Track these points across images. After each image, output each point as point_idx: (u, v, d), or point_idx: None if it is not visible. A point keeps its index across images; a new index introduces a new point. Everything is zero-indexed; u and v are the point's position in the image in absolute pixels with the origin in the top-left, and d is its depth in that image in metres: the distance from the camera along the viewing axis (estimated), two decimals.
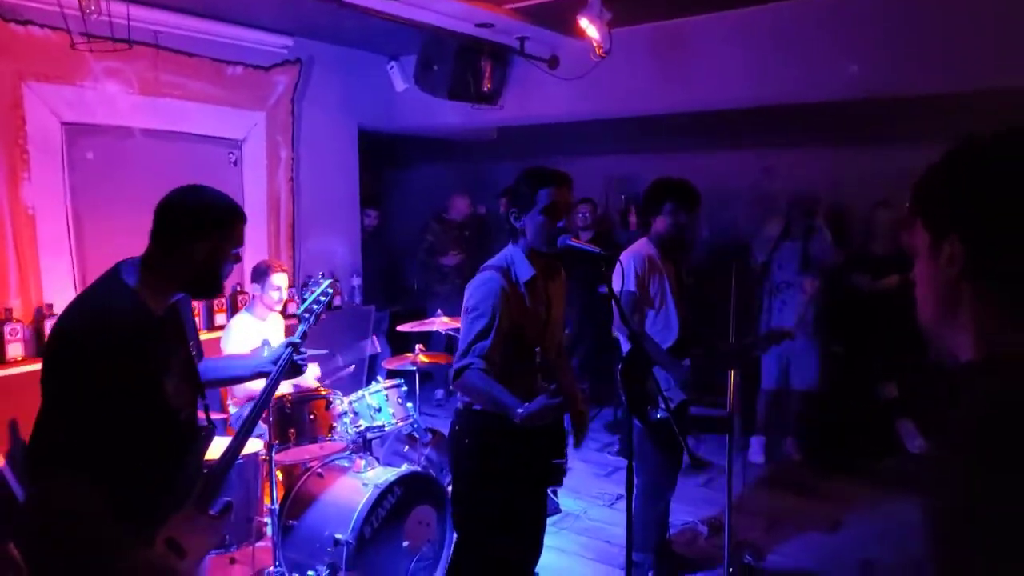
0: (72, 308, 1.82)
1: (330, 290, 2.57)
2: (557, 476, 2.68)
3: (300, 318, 2.49)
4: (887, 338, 4.64)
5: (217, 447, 2.23)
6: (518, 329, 2.35)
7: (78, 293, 2.01)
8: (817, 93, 4.04)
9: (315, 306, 2.51)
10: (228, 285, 4.54)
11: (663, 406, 3.26)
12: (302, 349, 2.26)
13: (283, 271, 3.92)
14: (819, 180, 5.48)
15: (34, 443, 1.72)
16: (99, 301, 1.81)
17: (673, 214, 3.28)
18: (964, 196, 0.91)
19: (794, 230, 4.80)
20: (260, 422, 3.23)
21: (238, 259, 2.00)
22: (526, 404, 2.22)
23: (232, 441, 2.09)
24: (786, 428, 5.06)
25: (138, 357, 1.76)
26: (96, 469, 1.70)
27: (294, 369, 2.24)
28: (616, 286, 3.25)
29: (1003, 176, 0.89)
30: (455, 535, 2.60)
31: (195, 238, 1.84)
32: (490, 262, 2.45)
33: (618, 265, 3.29)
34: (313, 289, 2.57)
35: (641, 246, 3.34)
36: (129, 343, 1.73)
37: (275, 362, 2.23)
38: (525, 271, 2.38)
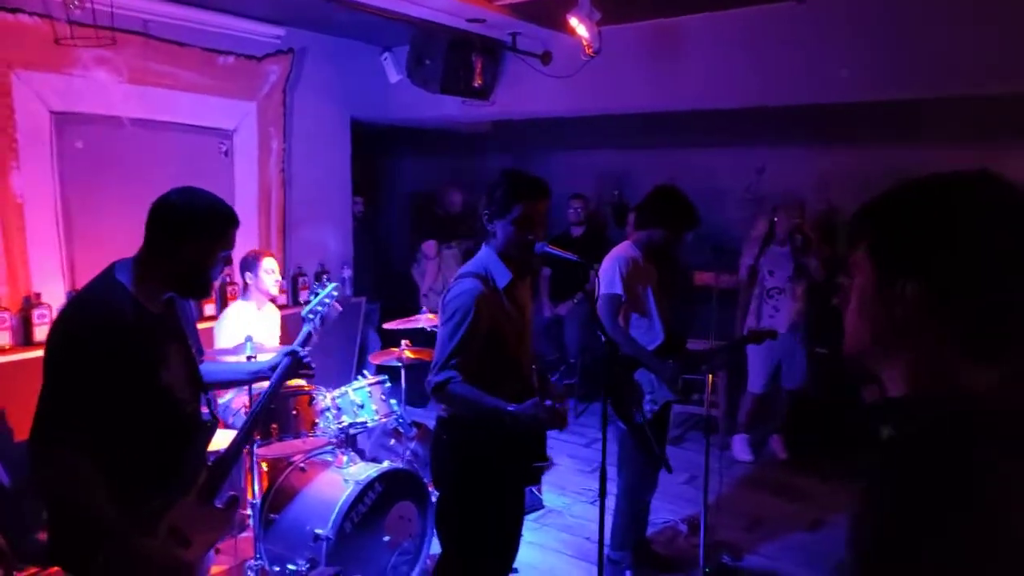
0: (69, 306, 1.95)
1: (335, 293, 2.63)
2: (536, 477, 2.71)
3: (304, 319, 2.53)
4: None
5: (217, 440, 2.31)
6: (498, 334, 2.34)
7: (74, 291, 2.07)
8: (807, 95, 4.04)
9: (320, 308, 2.56)
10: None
11: (646, 408, 3.31)
12: (304, 355, 2.29)
13: (271, 256, 3.96)
14: (812, 180, 5.50)
15: (36, 433, 1.78)
16: (95, 298, 1.89)
17: (670, 234, 3.27)
18: (931, 243, 0.89)
19: (779, 234, 4.81)
20: (244, 416, 3.28)
21: (228, 261, 2.05)
22: (516, 405, 2.25)
23: (235, 437, 2.18)
24: (772, 427, 5.10)
25: (134, 351, 1.84)
26: (96, 457, 1.78)
27: (298, 373, 2.31)
28: (601, 289, 3.29)
29: (974, 225, 0.87)
30: (440, 543, 2.59)
31: (184, 240, 1.89)
32: (466, 268, 2.43)
33: (602, 268, 3.32)
34: (318, 291, 2.60)
35: (625, 248, 3.34)
36: (124, 337, 1.82)
37: (273, 368, 2.28)
38: (503, 276, 2.37)
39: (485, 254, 2.43)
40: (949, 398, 0.89)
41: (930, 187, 0.93)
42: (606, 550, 3.42)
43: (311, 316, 2.53)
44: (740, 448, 5.07)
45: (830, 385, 4.95)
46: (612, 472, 3.25)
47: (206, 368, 2.25)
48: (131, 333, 1.83)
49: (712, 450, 3.43)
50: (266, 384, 2.32)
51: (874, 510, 0.87)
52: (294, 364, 2.29)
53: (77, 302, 1.93)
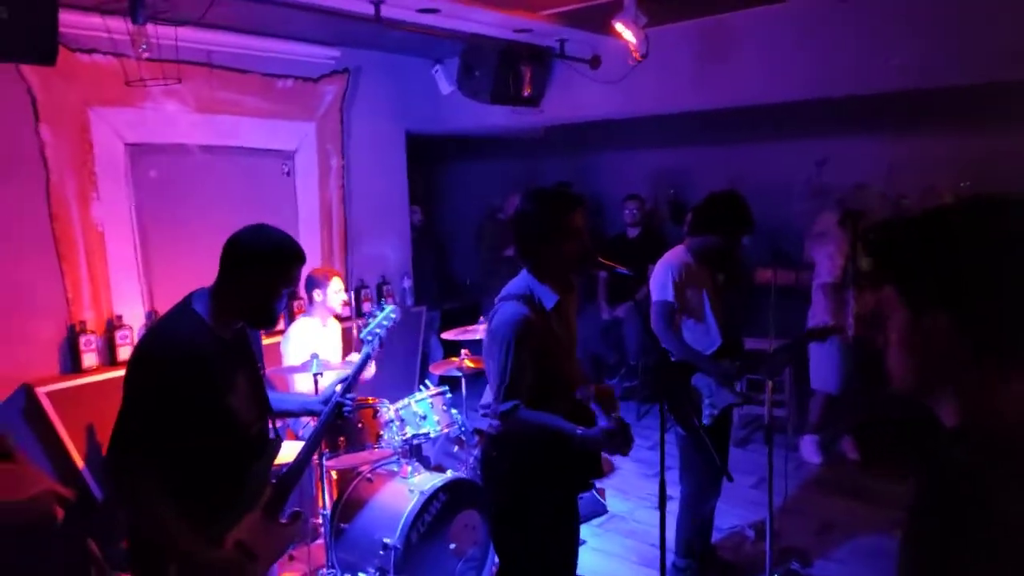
0: (149, 334, 2.10)
1: (393, 315, 2.70)
2: (587, 483, 2.72)
3: (363, 341, 2.63)
4: None
5: (284, 453, 2.42)
6: (547, 356, 2.33)
7: (153, 312, 2.21)
8: (862, 85, 3.92)
9: (378, 330, 2.65)
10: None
11: (705, 413, 3.27)
12: (349, 398, 2.39)
13: (338, 275, 4.09)
14: (875, 170, 5.31)
15: (112, 452, 1.92)
16: (172, 328, 2.03)
17: (725, 240, 3.22)
18: (949, 272, 0.91)
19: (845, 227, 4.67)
20: (311, 425, 3.41)
21: (293, 296, 2.15)
22: (585, 429, 2.25)
23: (297, 456, 2.28)
24: (843, 427, 4.96)
25: (206, 377, 1.97)
26: (167, 476, 1.91)
27: (340, 415, 2.40)
28: (653, 296, 3.27)
29: (988, 250, 0.89)
30: (497, 558, 2.62)
31: (250, 274, 2.01)
32: (510, 290, 2.39)
33: (654, 274, 3.30)
34: (376, 313, 2.69)
35: (678, 254, 3.31)
36: (198, 365, 1.95)
37: (325, 402, 2.40)
38: (549, 298, 2.34)
39: (524, 277, 2.39)
40: (992, 429, 0.89)
41: (939, 220, 0.95)
42: (671, 556, 3.43)
43: (370, 338, 2.62)
44: (809, 450, 4.95)
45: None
46: (674, 476, 3.25)
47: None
48: (204, 361, 1.96)
49: (779, 452, 3.37)
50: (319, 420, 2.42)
51: (918, 539, 0.89)
52: (336, 410, 2.39)
53: (156, 331, 2.07)
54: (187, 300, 2.05)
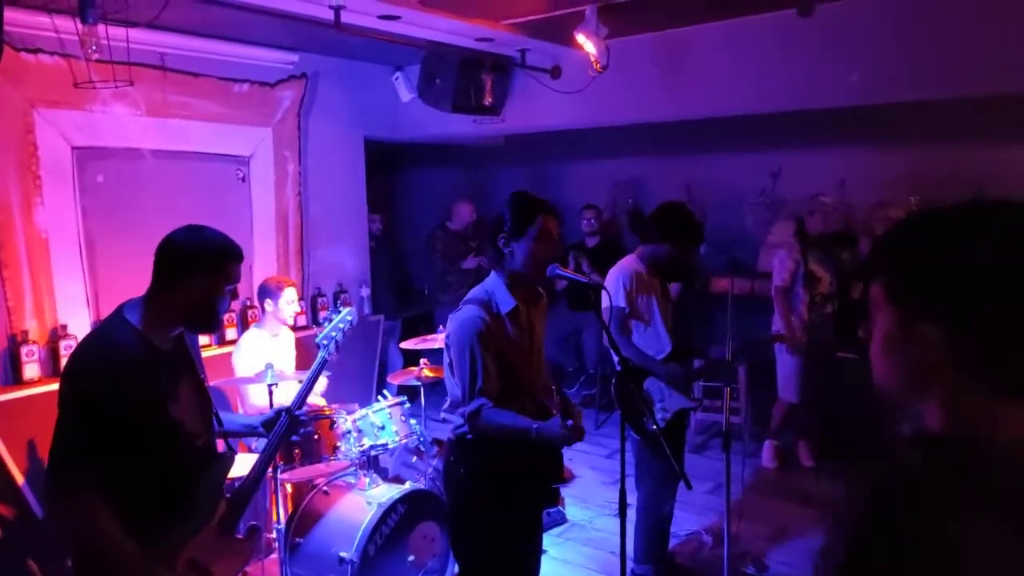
0: (81, 347, 1.98)
1: (349, 318, 2.67)
2: (554, 498, 2.73)
3: (319, 346, 2.58)
4: None
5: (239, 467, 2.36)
6: (503, 360, 2.37)
7: (99, 322, 2.13)
8: (817, 100, 4.03)
9: (335, 334, 2.61)
10: (240, 299, 4.64)
11: (658, 417, 3.31)
12: (302, 415, 2.38)
13: (292, 285, 4.01)
14: (828, 182, 5.45)
15: (52, 472, 1.84)
16: (103, 339, 1.95)
17: (677, 252, 3.34)
18: (945, 284, 0.87)
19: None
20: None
21: (235, 295, 2.10)
22: (541, 423, 2.30)
23: (251, 470, 2.23)
24: (798, 433, 5.06)
25: (143, 388, 1.89)
26: (112, 492, 1.83)
27: (296, 431, 2.38)
28: (606, 303, 3.33)
29: (988, 259, 0.85)
30: (456, 565, 2.63)
31: (188, 276, 1.95)
32: (470, 295, 2.45)
33: (606, 282, 3.36)
34: (332, 317, 2.65)
35: (629, 262, 3.42)
36: (133, 376, 1.87)
37: (267, 425, 2.35)
38: (506, 302, 2.39)
39: (492, 280, 2.45)
40: (966, 441, 0.87)
41: (938, 224, 0.91)
42: (630, 564, 3.44)
43: (326, 342, 2.58)
44: (767, 455, 5.03)
45: (856, 394, 4.87)
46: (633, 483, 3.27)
47: None
48: (140, 371, 1.89)
49: (736, 458, 3.41)
50: (264, 447, 2.36)
51: (849, 525, 0.88)
52: (291, 424, 2.35)
53: (90, 343, 1.98)
54: (119, 311, 1.97)
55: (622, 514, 2.46)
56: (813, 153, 5.61)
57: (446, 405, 2.51)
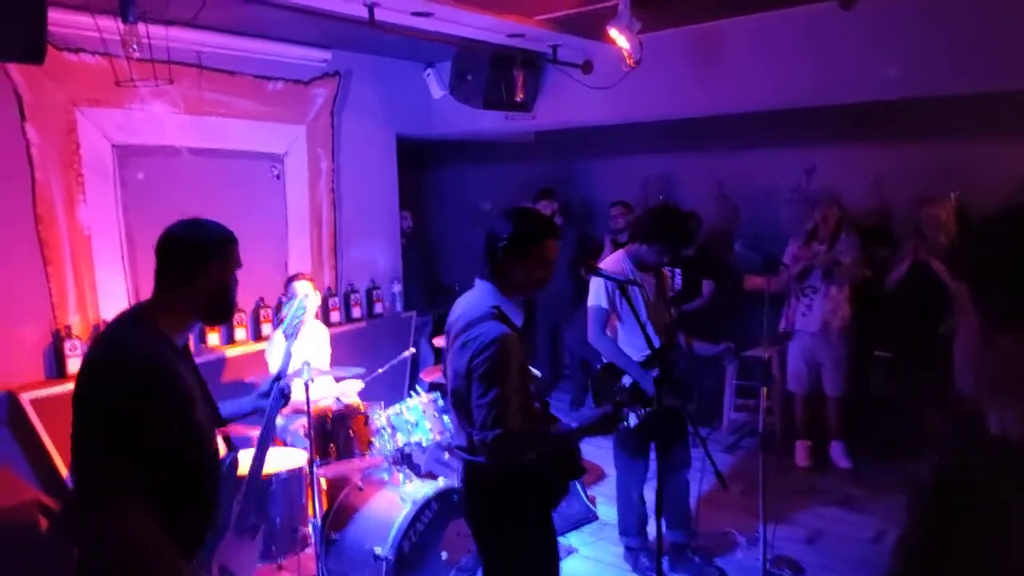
0: (104, 349, 1.84)
1: (305, 304, 2.79)
2: (566, 491, 2.71)
3: (287, 337, 2.68)
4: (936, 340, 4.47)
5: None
6: (522, 375, 2.32)
7: (99, 336, 2.04)
8: (851, 94, 3.96)
9: (295, 322, 2.72)
10: (250, 300, 4.69)
11: (633, 414, 3.31)
12: (285, 385, 2.42)
13: (305, 279, 4.05)
14: (863, 179, 5.35)
15: (96, 488, 1.71)
16: (128, 339, 1.80)
17: (659, 254, 3.39)
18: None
19: (821, 233, 4.71)
20: (303, 437, 3.38)
21: (236, 281, 2.06)
22: (578, 418, 2.32)
23: (252, 464, 2.26)
24: (828, 434, 4.98)
25: (177, 391, 1.80)
26: (153, 503, 1.71)
27: (285, 397, 2.44)
28: (588, 302, 3.41)
29: None
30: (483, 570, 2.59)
31: (204, 268, 1.88)
32: (484, 308, 2.29)
33: (591, 281, 3.37)
34: (286, 312, 2.82)
35: (616, 260, 3.44)
36: (168, 376, 1.78)
37: (265, 395, 2.40)
38: (517, 317, 2.35)
39: (490, 292, 2.33)
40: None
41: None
42: (623, 539, 3.74)
43: (290, 332, 2.68)
44: (802, 455, 4.96)
45: (895, 392, 4.79)
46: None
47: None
48: (173, 376, 1.80)
49: (769, 458, 3.37)
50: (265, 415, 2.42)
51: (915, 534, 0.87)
52: (280, 395, 2.39)
53: (112, 344, 1.83)
54: (134, 313, 1.87)
55: (657, 516, 2.44)
56: (848, 148, 5.50)
57: (456, 438, 2.41)
